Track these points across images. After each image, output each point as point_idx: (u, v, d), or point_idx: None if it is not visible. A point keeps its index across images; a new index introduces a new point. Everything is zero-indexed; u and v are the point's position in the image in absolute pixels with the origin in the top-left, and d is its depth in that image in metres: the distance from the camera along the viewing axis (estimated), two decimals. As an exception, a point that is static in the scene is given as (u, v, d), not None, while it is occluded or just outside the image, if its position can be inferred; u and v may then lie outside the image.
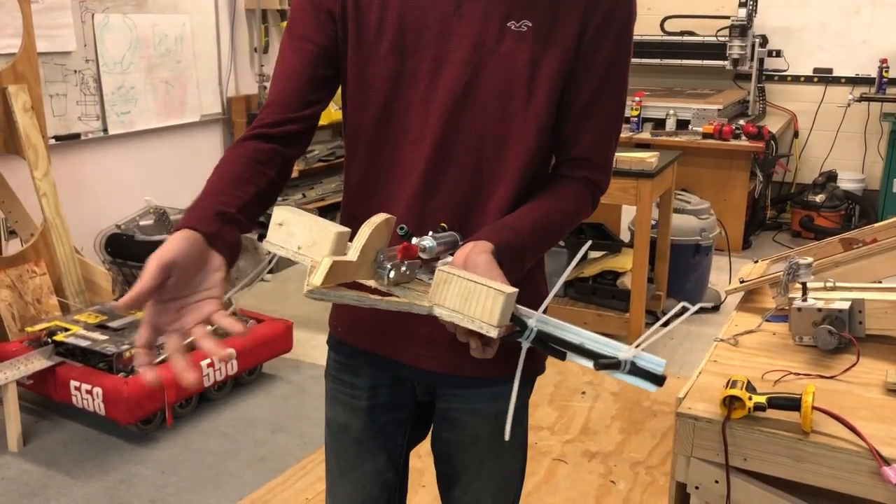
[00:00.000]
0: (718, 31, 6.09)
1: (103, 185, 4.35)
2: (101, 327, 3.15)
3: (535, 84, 1.19)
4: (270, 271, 4.18)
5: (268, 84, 5.23)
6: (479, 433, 1.37)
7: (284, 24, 5.40)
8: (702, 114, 5.50)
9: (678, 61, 6.19)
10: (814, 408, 1.34)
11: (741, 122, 5.46)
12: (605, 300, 4.05)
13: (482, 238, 1.11)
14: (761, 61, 6.01)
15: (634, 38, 1.30)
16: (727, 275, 4.40)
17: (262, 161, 1.21)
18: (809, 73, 6.23)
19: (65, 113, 4.12)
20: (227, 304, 3.36)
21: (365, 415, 1.39)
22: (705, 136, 5.28)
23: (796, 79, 6.28)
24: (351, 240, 1.05)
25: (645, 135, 5.46)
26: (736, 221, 5.30)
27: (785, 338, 1.73)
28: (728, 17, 5.95)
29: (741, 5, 5.79)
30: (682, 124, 5.52)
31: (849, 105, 5.87)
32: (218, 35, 5.05)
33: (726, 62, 5.97)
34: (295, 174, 5.26)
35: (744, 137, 5.24)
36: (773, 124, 5.74)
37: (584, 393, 3.39)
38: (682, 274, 4.27)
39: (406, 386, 1.39)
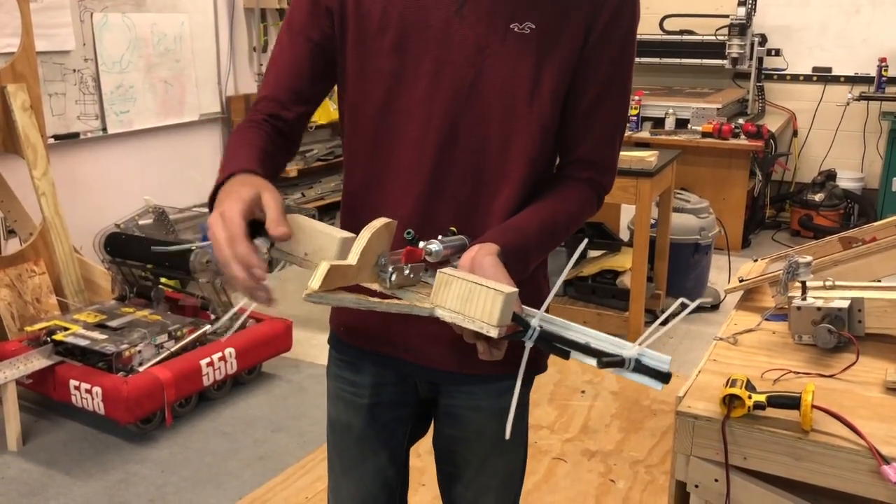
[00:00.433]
0: (717, 29, 6.09)
1: (102, 185, 4.35)
2: (100, 326, 3.16)
3: (538, 86, 1.19)
4: (269, 271, 4.17)
5: (267, 83, 5.24)
6: (484, 429, 1.37)
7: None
8: (701, 113, 5.50)
9: (677, 60, 6.20)
10: (813, 406, 1.34)
11: (740, 121, 5.47)
12: (605, 299, 4.06)
13: (488, 240, 1.12)
14: (760, 60, 6.02)
15: (634, 37, 1.30)
16: (726, 274, 4.40)
17: (278, 143, 1.23)
18: (808, 72, 6.24)
19: (64, 112, 4.11)
20: (227, 305, 3.36)
21: (367, 413, 1.39)
22: (704, 135, 5.28)
23: (795, 78, 6.28)
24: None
25: (644, 134, 5.46)
26: (735, 220, 5.30)
27: (784, 337, 1.73)
28: (727, 16, 5.96)
29: (740, 4, 5.80)
30: (682, 123, 5.52)
31: (848, 104, 5.88)
32: (217, 34, 5.05)
33: (725, 61, 5.98)
34: (294, 173, 5.26)
35: (743, 136, 5.24)
36: (773, 123, 5.74)
37: (583, 392, 3.40)
38: (682, 273, 4.28)
39: (409, 384, 1.39)
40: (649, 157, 3.74)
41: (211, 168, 5.15)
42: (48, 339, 3.09)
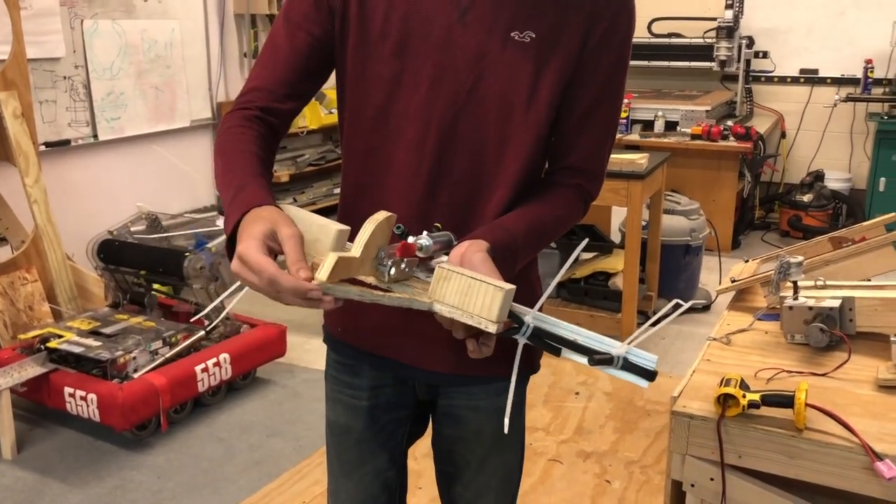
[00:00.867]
0: (705, 32, 6.12)
1: (94, 192, 4.34)
2: (94, 333, 3.15)
3: (536, 93, 1.21)
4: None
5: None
6: (482, 429, 1.39)
7: (274, 28, 5.41)
8: (690, 115, 5.54)
9: (666, 63, 6.22)
10: (807, 405, 1.36)
11: (729, 122, 5.50)
12: (597, 301, 4.08)
13: (477, 237, 1.13)
14: (748, 62, 6.06)
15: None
16: (717, 275, 4.43)
17: (269, 144, 1.24)
18: (796, 73, 6.28)
19: (54, 119, 4.11)
20: (219, 309, 3.36)
21: (366, 415, 1.40)
22: (694, 137, 5.31)
23: (783, 80, 6.33)
24: (350, 238, 1.07)
25: (634, 136, 5.49)
26: (725, 221, 5.33)
27: (777, 336, 1.74)
28: (715, 19, 5.99)
29: (728, 7, 5.84)
30: (671, 126, 5.55)
31: (835, 105, 5.92)
32: (207, 40, 5.05)
33: (713, 63, 6.01)
34: (285, 178, 5.27)
35: (732, 138, 5.28)
36: (761, 125, 5.78)
37: (577, 393, 3.41)
38: (673, 274, 4.30)
39: (407, 385, 1.40)
40: (640, 159, 3.76)
41: (203, 173, 5.15)
42: (42, 346, 3.08)
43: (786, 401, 1.37)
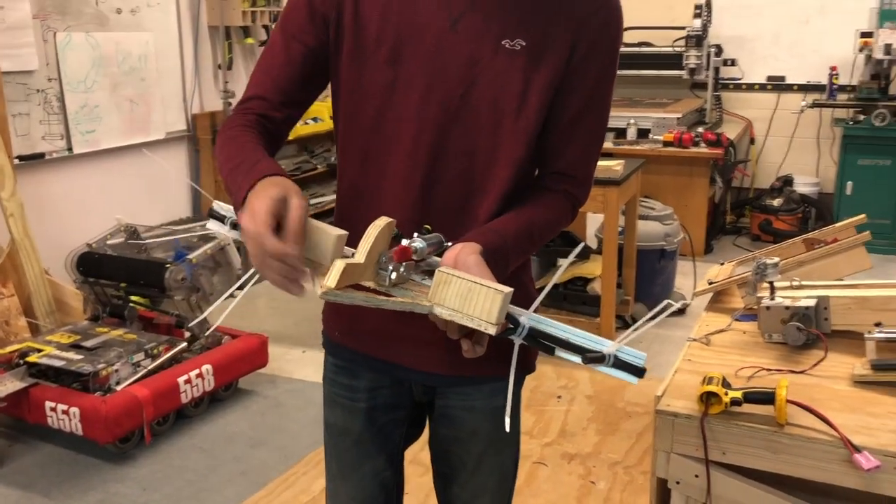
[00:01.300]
0: (675, 41, 6.22)
1: (69, 205, 4.32)
2: (75, 347, 3.14)
3: (525, 100, 1.25)
4: (240, 287, 4.17)
5: (232, 101, 5.24)
6: (478, 429, 1.42)
7: (248, 40, 5.42)
8: (662, 122, 5.62)
9: (636, 72, 6.30)
10: (787, 401, 1.40)
11: (700, 129, 5.59)
12: (576, 306, 4.12)
13: (470, 240, 1.17)
14: (717, 70, 6.16)
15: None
16: (692, 279, 4.49)
17: (269, 149, 1.26)
18: (763, 80, 6.40)
19: (28, 133, 4.09)
20: (203, 322, 3.36)
21: (364, 416, 1.43)
22: (666, 144, 5.39)
23: (751, 87, 6.44)
24: (349, 241, 1.10)
25: (608, 144, 5.55)
26: (697, 226, 5.41)
27: (755, 336, 1.78)
28: (684, 28, 6.08)
29: (696, 16, 5.93)
30: (643, 133, 5.62)
31: (802, 111, 6.03)
32: (181, 52, 5.05)
33: (683, 72, 6.10)
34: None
35: (703, 145, 5.37)
36: (731, 131, 5.88)
37: (559, 397, 3.45)
38: (649, 278, 4.36)
39: (404, 387, 1.43)
40: (615, 166, 3.82)
41: (178, 185, 5.14)
42: (21, 361, 3.06)
43: (767, 397, 1.41)
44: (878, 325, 1.66)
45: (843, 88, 5.96)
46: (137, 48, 4.69)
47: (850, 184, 5.65)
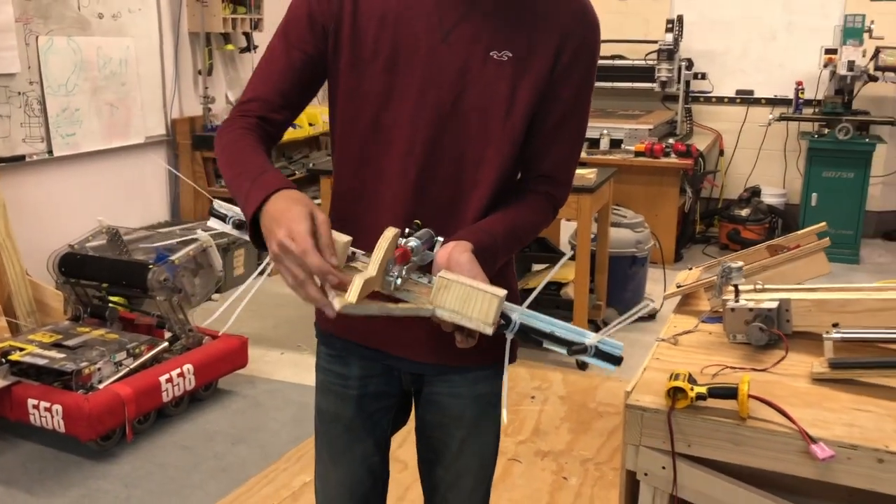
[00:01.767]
0: (647, 54, 6.34)
1: (49, 207, 4.33)
2: (57, 346, 3.17)
3: (512, 107, 1.34)
4: (217, 291, 4.21)
5: (212, 106, 5.28)
6: (462, 414, 1.50)
7: (228, 46, 5.46)
8: (633, 133, 5.72)
9: (609, 84, 6.41)
10: (749, 396, 1.47)
11: (670, 140, 5.70)
12: (550, 310, 4.15)
13: (462, 238, 1.26)
14: (688, 83, 6.28)
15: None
16: (661, 285, 4.60)
17: (267, 150, 1.35)
18: (732, 94, 6.55)
19: (8, 135, 4.10)
20: (184, 322, 3.41)
21: (355, 403, 1.51)
22: (637, 154, 5.50)
23: (720, 100, 6.59)
24: (350, 232, 1.18)
25: (581, 153, 5.65)
26: (668, 235, 5.51)
27: (720, 336, 1.86)
28: (656, 42, 6.20)
29: (668, 30, 6.06)
30: (615, 143, 5.71)
31: (769, 124, 6.16)
32: (162, 58, 5.08)
33: (655, 84, 6.22)
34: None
35: (673, 155, 5.48)
36: (700, 143, 6.00)
37: (533, 397, 3.54)
38: (621, 284, 4.46)
39: (393, 376, 1.51)
40: (589, 174, 3.93)
41: (157, 190, 5.17)
42: (3, 359, 3.09)
43: (730, 392, 1.48)
44: (835, 325, 1.73)
45: (808, 103, 6.10)
46: (118, 53, 4.73)
47: (814, 195, 5.76)
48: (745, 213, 6.04)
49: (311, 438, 3.13)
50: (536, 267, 4.57)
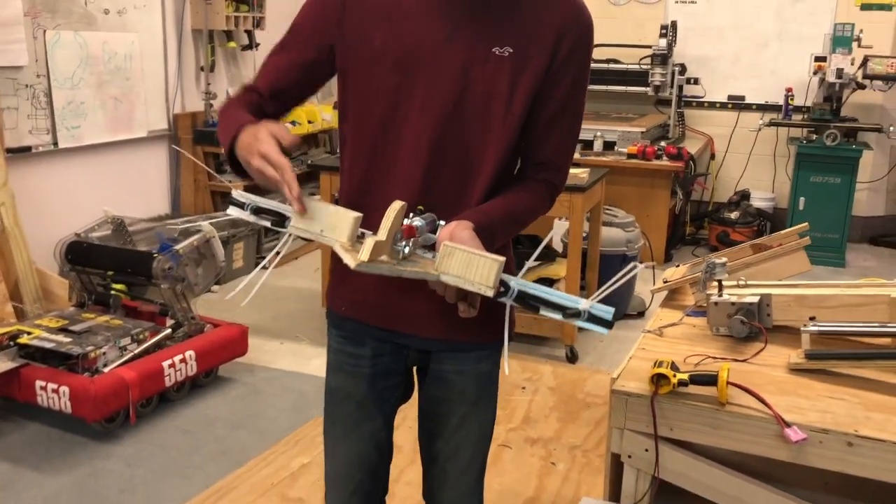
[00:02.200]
0: (641, 59, 6.43)
1: (54, 197, 4.41)
2: (63, 331, 3.26)
3: (512, 100, 1.45)
4: (217, 282, 4.30)
5: (214, 102, 5.37)
6: (465, 390, 1.61)
7: (230, 44, 5.54)
8: (626, 136, 5.80)
9: (604, 87, 6.50)
10: (728, 383, 1.56)
11: (662, 143, 5.78)
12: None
13: (464, 219, 1.37)
14: (680, 88, 6.34)
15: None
16: (651, 284, 4.68)
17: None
18: (724, 99, 6.65)
19: (16, 126, 4.18)
20: (187, 311, 3.49)
21: (366, 381, 1.61)
22: (630, 156, 5.59)
23: (712, 105, 6.69)
24: (363, 224, 1.30)
25: (574, 155, 5.73)
26: (658, 236, 5.60)
27: (703, 329, 1.95)
28: (650, 47, 6.29)
29: (662, 36, 6.14)
30: (609, 145, 5.80)
31: (759, 130, 6.24)
32: (165, 54, 5.16)
33: (648, 88, 6.30)
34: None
35: (665, 158, 5.57)
36: (692, 146, 6.09)
37: (524, 388, 3.64)
38: (611, 282, 4.54)
39: (401, 354, 1.61)
40: (581, 174, 4.03)
41: (158, 183, 5.25)
42: (11, 342, 3.17)
43: (710, 379, 1.58)
44: (812, 319, 1.83)
45: (798, 109, 6.19)
46: (123, 48, 4.81)
47: (802, 199, 5.84)
48: (734, 215, 6.14)
49: (309, 423, 3.24)
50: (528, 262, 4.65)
